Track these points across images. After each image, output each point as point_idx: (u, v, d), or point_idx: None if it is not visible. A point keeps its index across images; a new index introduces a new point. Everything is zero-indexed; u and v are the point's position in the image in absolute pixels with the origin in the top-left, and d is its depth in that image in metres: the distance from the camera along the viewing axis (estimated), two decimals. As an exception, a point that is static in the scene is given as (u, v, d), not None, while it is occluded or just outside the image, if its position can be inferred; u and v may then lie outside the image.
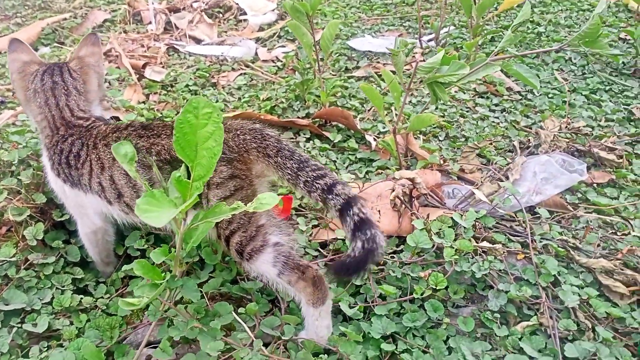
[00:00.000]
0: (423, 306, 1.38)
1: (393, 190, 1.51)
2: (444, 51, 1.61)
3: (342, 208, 1.20)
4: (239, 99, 2.49)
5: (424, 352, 1.26)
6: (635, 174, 1.99)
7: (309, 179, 1.23)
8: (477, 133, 2.16)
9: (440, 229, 1.45)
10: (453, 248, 1.40)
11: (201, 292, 1.33)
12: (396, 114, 1.79)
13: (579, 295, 1.41)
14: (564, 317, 1.34)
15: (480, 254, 1.44)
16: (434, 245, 1.44)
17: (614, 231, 1.73)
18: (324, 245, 1.57)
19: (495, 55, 1.72)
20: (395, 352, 1.26)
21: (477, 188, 1.66)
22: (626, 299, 1.47)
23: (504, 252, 1.53)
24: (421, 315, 1.34)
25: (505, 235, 1.60)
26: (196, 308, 1.26)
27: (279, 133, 1.31)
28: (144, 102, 2.47)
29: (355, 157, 2.03)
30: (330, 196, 1.21)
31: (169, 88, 2.62)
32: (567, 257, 1.53)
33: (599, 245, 1.64)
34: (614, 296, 1.47)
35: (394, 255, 1.50)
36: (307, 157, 1.27)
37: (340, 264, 1.19)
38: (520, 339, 1.29)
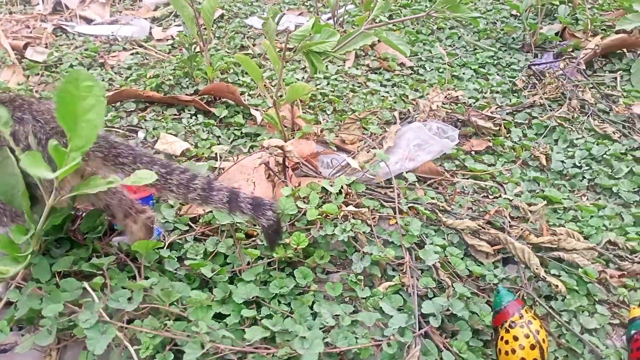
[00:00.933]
0: (293, 274, 1.36)
1: (267, 161, 1.49)
2: (314, 19, 1.59)
3: (230, 200, 1.22)
4: (126, 78, 2.39)
5: (287, 316, 1.25)
6: (513, 141, 2.07)
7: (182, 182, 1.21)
8: (364, 107, 2.17)
9: (307, 195, 1.44)
10: (317, 210, 1.39)
11: (52, 271, 1.26)
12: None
13: (444, 255, 1.45)
14: (426, 275, 1.37)
15: (347, 219, 1.44)
16: (301, 211, 1.43)
17: (486, 195, 1.79)
18: (195, 219, 1.53)
19: (370, 24, 1.72)
20: (257, 317, 1.23)
21: (353, 157, 1.67)
22: (491, 258, 1.52)
23: (375, 217, 1.55)
24: (289, 282, 1.32)
25: (379, 201, 1.62)
26: (45, 288, 1.20)
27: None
28: (22, 84, 2.32)
29: (241, 132, 1.99)
30: (213, 193, 1.22)
31: (53, 69, 2.48)
32: (434, 219, 1.56)
33: (470, 208, 1.69)
34: (480, 255, 1.51)
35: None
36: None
37: (268, 239, 1.29)
38: (381, 299, 1.30)
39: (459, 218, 1.57)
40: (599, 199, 1.85)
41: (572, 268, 1.48)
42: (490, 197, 1.77)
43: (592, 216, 1.72)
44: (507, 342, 1.22)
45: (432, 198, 1.66)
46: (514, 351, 1.20)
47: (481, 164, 1.92)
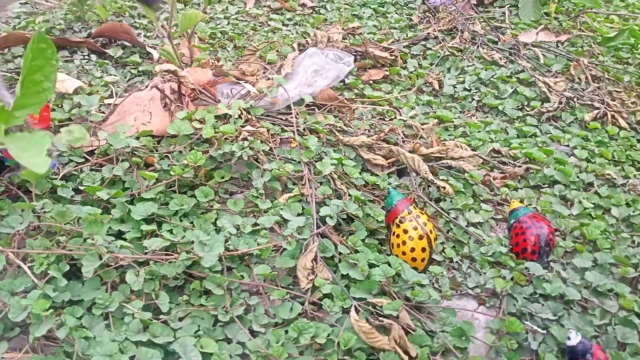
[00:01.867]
0: (195, 195, 1.38)
1: (158, 84, 1.48)
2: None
3: None
4: (14, 27, 2.25)
5: (188, 230, 1.27)
6: (409, 71, 2.17)
7: None
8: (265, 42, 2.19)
9: (203, 117, 1.45)
10: (213, 129, 1.41)
11: None
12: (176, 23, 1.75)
13: (342, 168, 1.52)
14: (324, 185, 1.43)
15: (246, 139, 1.46)
16: (197, 133, 1.44)
17: (382, 118, 1.87)
18: (91, 152, 1.50)
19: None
20: (158, 233, 1.24)
21: (252, 85, 1.69)
22: (386, 170, 1.61)
23: (275, 140, 1.59)
24: (190, 201, 1.34)
25: (280, 126, 1.66)
26: None
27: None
28: None
29: (138, 71, 1.95)
30: None
31: None
32: (334, 140, 1.63)
33: (367, 129, 1.77)
34: (376, 168, 1.60)
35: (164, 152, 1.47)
36: None
37: None
38: (282, 209, 1.35)
39: (355, 136, 1.64)
40: (487, 117, 1.98)
41: (459, 173, 1.60)
42: (387, 120, 1.86)
43: (479, 131, 1.85)
44: (398, 236, 1.31)
45: (331, 122, 1.72)
46: (404, 243, 1.30)
47: (379, 92, 2.01)
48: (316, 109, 1.76)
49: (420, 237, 1.29)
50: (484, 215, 1.49)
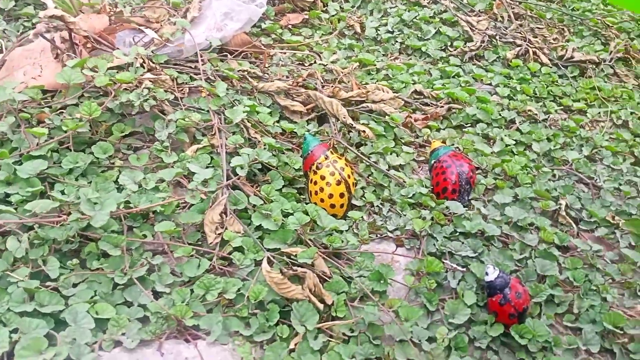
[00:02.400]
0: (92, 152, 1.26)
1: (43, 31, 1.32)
2: None
3: None
4: None
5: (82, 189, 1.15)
6: (330, 14, 2.06)
7: None
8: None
9: (96, 65, 1.31)
10: (108, 77, 1.28)
11: None
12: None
13: (257, 116, 1.42)
14: (236, 134, 1.33)
15: (147, 88, 1.34)
16: (90, 83, 1.30)
17: (302, 63, 1.78)
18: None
19: None
20: (50, 193, 1.12)
21: (156, 31, 1.55)
22: (305, 116, 1.53)
23: (183, 89, 1.47)
24: (86, 157, 1.22)
25: (188, 74, 1.54)
26: None
27: None
28: None
29: (32, 24, 1.76)
30: None
31: None
32: (249, 88, 1.53)
33: (285, 76, 1.67)
34: (294, 115, 1.51)
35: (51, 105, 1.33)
36: None
37: None
38: (189, 162, 1.25)
39: (270, 81, 1.54)
40: (410, 59, 1.93)
41: (380, 117, 1.54)
42: (307, 65, 1.77)
43: (402, 73, 1.79)
44: (315, 183, 1.24)
45: (246, 68, 1.61)
46: (322, 189, 1.23)
47: (298, 37, 1.90)
48: (229, 55, 1.64)
49: (338, 183, 1.23)
50: (405, 158, 1.45)
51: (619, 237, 1.28)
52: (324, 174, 1.24)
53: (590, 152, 1.55)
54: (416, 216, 1.25)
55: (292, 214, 1.14)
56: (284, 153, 1.36)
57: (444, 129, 1.59)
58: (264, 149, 1.29)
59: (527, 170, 1.46)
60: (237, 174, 1.21)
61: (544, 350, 1.03)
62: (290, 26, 1.95)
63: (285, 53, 1.80)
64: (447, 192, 1.32)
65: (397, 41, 1.98)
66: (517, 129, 1.63)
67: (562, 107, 1.77)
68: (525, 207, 1.34)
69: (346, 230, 1.21)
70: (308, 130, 1.45)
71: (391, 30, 2.01)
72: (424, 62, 1.91)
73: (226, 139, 1.30)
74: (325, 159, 1.26)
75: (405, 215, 1.27)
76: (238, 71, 1.56)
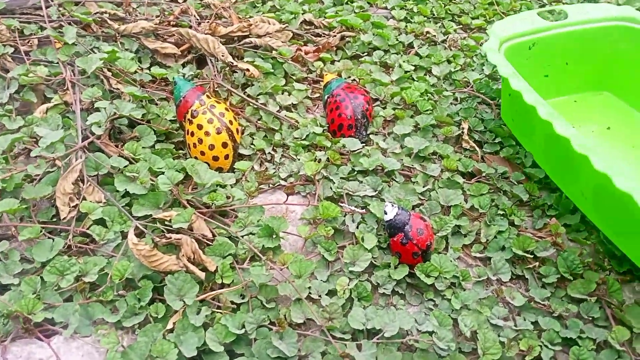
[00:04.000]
0: None
1: None
2: None
3: None
4: None
5: None
6: (206, -56, 1.84)
7: None
8: None
9: None
10: None
11: None
12: None
13: (118, 63, 1.23)
14: (94, 87, 1.14)
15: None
16: None
17: (175, 1, 1.57)
18: None
19: None
20: None
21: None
22: (181, 59, 1.34)
23: (30, 41, 1.24)
24: None
25: (36, 23, 1.30)
26: None
27: None
28: None
29: None
30: None
31: None
32: (110, 34, 1.32)
33: (156, 16, 1.46)
34: (167, 59, 1.33)
35: None
36: None
37: None
38: (37, 125, 1.05)
39: (134, 21, 1.34)
40: (299, -13, 1.76)
41: (267, 52, 1.38)
42: (180, 1, 1.56)
43: (290, 3, 1.62)
44: (192, 134, 1.09)
45: (105, 10, 1.38)
46: (200, 141, 1.08)
47: (171, -29, 1.68)
48: (86, -3, 1.41)
49: (219, 131, 1.08)
50: (297, 96, 1.31)
51: (524, 156, 1.22)
52: (201, 123, 1.08)
53: (492, 71, 1.47)
54: (310, 159, 1.13)
55: (163, 173, 0.99)
56: (156, 104, 1.19)
57: (338, 61, 1.46)
58: (128, 101, 1.11)
59: (427, 96, 1.36)
60: (95, 134, 1.03)
61: (452, 287, 0.96)
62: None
63: (156, -10, 1.58)
64: (343, 128, 1.21)
65: (284, -32, 1.79)
66: (416, 54, 1.52)
67: (461, 26, 1.68)
68: (427, 135, 1.25)
69: (234, 185, 1.08)
70: (182, 75, 1.28)
71: (277, -44, 1.82)
72: (314, -11, 1.75)
73: (81, 93, 1.10)
74: (201, 104, 1.10)
75: (299, 159, 1.14)
76: (95, 14, 1.33)
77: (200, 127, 1.08)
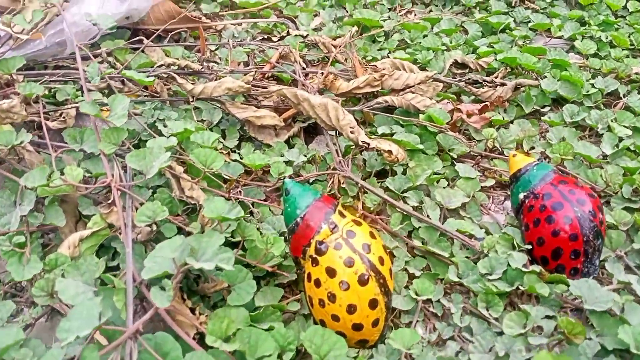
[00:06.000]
0: None
1: None
2: None
3: None
4: None
5: None
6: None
7: None
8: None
9: None
10: None
11: None
12: None
13: (191, 149, 0.78)
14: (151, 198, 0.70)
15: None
16: None
17: (267, 37, 1.13)
18: None
19: None
20: None
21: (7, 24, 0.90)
22: (282, 133, 0.89)
23: (63, 114, 0.83)
24: None
25: (76, 83, 0.89)
26: None
27: None
28: None
29: None
30: None
31: None
32: (178, 90, 0.88)
33: (241, 62, 1.03)
34: (261, 132, 0.88)
35: None
36: None
37: None
38: (60, 281, 0.62)
39: (215, 78, 0.90)
40: (430, 11, 1.28)
41: (409, 117, 0.90)
42: (276, 39, 1.12)
43: (424, 35, 1.15)
44: (319, 284, 0.62)
45: (177, 58, 0.96)
46: (332, 297, 0.62)
47: (258, -4, 1.24)
48: (145, 40, 0.98)
49: (363, 280, 0.61)
50: (465, 188, 0.83)
51: None
52: (333, 266, 0.62)
53: None
54: (520, 323, 0.63)
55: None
56: (252, 213, 0.74)
57: (512, 122, 0.97)
58: (213, 226, 0.66)
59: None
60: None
61: None
62: (244, -19, 1.29)
63: (240, 24, 1.15)
64: (561, 256, 0.71)
65: (408, -15, 1.32)
66: (626, 107, 1.00)
67: (680, 59, 1.14)
68: None
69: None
70: (295, 171, 0.82)
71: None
72: (452, 13, 1.26)
73: (134, 210, 0.66)
74: (331, 231, 0.63)
75: (500, 322, 0.65)
76: (160, 66, 0.91)
77: (331, 273, 0.62)
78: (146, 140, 0.75)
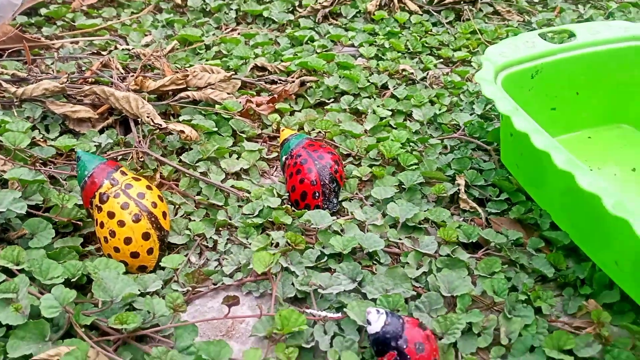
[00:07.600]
0: None
1: None
2: None
3: None
4: None
5: None
6: (142, -12, 1.60)
7: None
8: None
9: None
10: None
11: None
12: None
13: (7, 136, 0.95)
14: (-29, 172, 0.86)
15: None
16: None
17: (99, 52, 1.31)
18: None
19: None
20: None
21: None
22: (99, 124, 1.07)
23: None
24: None
25: None
26: None
27: None
28: None
29: None
30: None
31: None
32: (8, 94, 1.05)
33: (71, 73, 1.20)
34: (80, 125, 1.06)
35: None
36: None
37: None
38: None
39: (37, 81, 1.07)
40: (251, 28, 1.52)
41: (209, 107, 1.12)
42: (104, 53, 1.30)
43: (239, 47, 1.38)
44: (102, 225, 0.81)
45: (9, 71, 1.12)
46: (113, 233, 0.80)
47: (97, 19, 1.43)
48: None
49: (137, 219, 0.80)
50: (248, 158, 1.04)
51: (539, 215, 0.95)
52: (113, 209, 0.80)
53: (483, 109, 1.23)
54: (265, 244, 0.85)
55: (54, 286, 0.70)
56: (62, 185, 0.91)
57: (299, 111, 1.20)
58: (16, 188, 0.83)
59: (410, 147, 1.11)
60: (-40, 238, 0.75)
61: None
62: (85, 7, 1.47)
63: (78, 42, 1.33)
64: (307, 197, 0.93)
65: (231, 9, 1.56)
66: (392, 95, 1.27)
67: (441, 60, 1.44)
68: (415, 198, 0.98)
69: (161, 289, 0.79)
70: (97, 145, 1.00)
71: (222, -4, 1.59)
72: (268, 29, 1.51)
73: (-49, 181, 0.82)
74: (112, 185, 0.82)
75: (250, 245, 0.86)
76: (-12, 76, 1.07)
77: (111, 215, 0.80)
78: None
